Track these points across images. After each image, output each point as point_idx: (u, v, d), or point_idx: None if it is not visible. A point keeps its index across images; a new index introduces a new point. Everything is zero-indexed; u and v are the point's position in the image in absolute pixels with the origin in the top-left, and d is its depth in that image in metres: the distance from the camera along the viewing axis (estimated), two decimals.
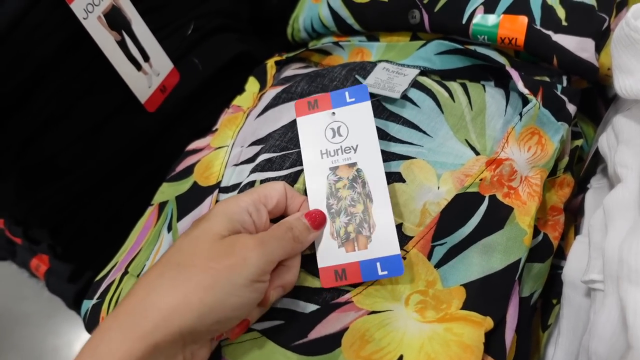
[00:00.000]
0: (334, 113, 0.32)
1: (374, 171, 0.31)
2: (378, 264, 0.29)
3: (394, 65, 0.36)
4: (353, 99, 0.32)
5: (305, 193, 0.32)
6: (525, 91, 0.33)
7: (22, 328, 0.80)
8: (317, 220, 0.30)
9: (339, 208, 0.31)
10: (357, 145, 0.31)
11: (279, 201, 0.30)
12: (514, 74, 0.34)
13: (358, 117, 0.32)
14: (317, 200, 0.31)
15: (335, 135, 0.32)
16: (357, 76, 0.37)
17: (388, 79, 0.35)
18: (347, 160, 0.31)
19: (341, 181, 0.31)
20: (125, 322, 0.24)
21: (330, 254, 0.30)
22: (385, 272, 0.29)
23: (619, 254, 0.22)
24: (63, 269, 0.45)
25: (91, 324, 0.34)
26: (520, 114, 0.33)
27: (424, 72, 0.36)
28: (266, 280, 0.27)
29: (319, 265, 0.30)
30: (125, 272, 0.35)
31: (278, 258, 0.28)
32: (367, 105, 0.32)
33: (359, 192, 0.31)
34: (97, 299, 0.35)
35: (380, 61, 0.37)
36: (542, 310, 0.36)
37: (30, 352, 0.73)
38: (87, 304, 0.35)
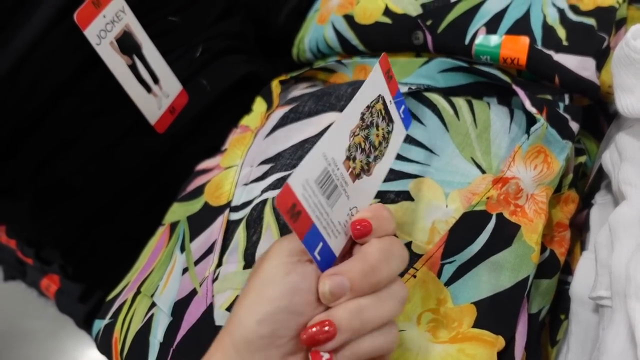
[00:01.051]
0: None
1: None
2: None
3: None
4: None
5: None
6: (533, 110, 0.34)
7: (27, 346, 0.80)
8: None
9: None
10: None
11: None
12: (521, 93, 0.35)
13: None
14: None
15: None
16: None
17: None
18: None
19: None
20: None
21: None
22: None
23: (626, 271, 0.23)
24: (73, 288, 0.46)
25: (103, 343, 0.35)
26: (528, 133, 0.33)
27: (428, 89, 0.37)
28: None
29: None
30: (138, 292, 0.35)
31: None
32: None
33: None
34: (110, 318, 0.35)
35: None
36: (550, 326, 0.37)
37: None
38: (99, 324, 0.35)
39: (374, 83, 0.28)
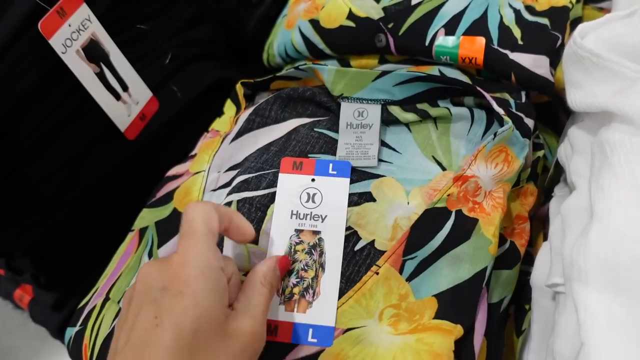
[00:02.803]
0: (313, 179, 0.34)
1: (334, 245, 0.32)
2: (310, 330, 0.31)
3: (353, 107, 0.37)
4: (335, 172, 0.34)
5: None
6: (501, 111, 0.35)
7: None
8: (285, 268, 0.31)
9: (292, 269, 0.32)
10: (325, 216, 0.33)
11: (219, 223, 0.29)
12: (488, 96, 0.36)
13: (335, 190, 0.34)
14: (275, 252, 0.33)
15: (309, 201, 0.34)
16: (319, 129, 0.38)
17: (357, 140, 0.36)
18: (312, 227, 0.33)
19: (302, 244, 0.33)
20: None
21: (270, 308, 0.30)
22: (315, 340, 0.30)
23: (569, 256, 0.24)
24: (47, 298, 0.46)
25: (74, 351, 0.35)
26: (495, 134, 0.34)
27: (385, 104, 0.37)
28: None
29: None
30: (107, 299, 0.35)
31: None
32: (346, 182, 0.34)
33: (314, 259, 0.32)
34: (80, 325, 0.35)
35: (340, 97, 0.38)
36: (515, 317, 0.38)
37: None
38: (71, 331, 0.35)
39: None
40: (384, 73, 0.37)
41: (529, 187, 0.37)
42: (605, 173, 0.25)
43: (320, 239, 0.33)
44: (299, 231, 0.33)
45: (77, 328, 0.35)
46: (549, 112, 0.43)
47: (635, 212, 0.23)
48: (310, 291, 0.31)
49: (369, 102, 0.37)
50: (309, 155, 0.36)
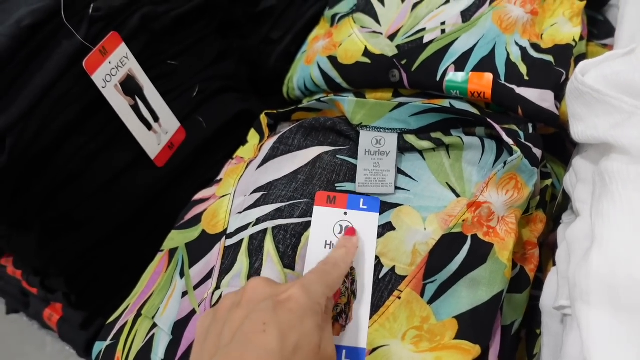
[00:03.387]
0: (346, 213, 0.37)
1: (365, 275, 0.35)
2: (344, 351, 0.33)
3: (371, 135, 0.40)
4: (365, 207, 0.37)
5: None
6: (510, 141, 0.37)
7: None
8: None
9: (327, 257, 0.34)
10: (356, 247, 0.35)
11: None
12: (497, 126, 0.38)
13: (365, 223, 0.36)
14: None
15: (342, 232, 0.36)
16: (342, 156, 0.40)
17: (374, 166, 0.39)
18: None
19: None
20: None
21: None
22: None
23: (572, 278, 0.26)
24: (76, 317, 0.48)
25: None
26: (505, 163, 0.36)
27: (401, 133, 0.40)
28: None
29: None
30: (139, 315, 0.38)
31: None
32: (375, 216, 0.37)
33: (347, 286, 0.34)
34: (111, 340, 0.37)
35: (359, 126, 0.41)
36: (527, 341, 0.39)
37: None
38: (100, 346, 0.37)
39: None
40: (400, 104, 0.40)
41: (538, 214, 0.39)
42: (605, 200, 0.27)
43: (352, 268, 0.35)
44: None
45: (107, 342, 0.37)
46: (557, 143, 0.45)
47: (632, 236, 0.24)
48: (344, 316, 0.33)
49: (387, 130, 0.40)
50: (336, 185, 0.39)
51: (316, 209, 0.37)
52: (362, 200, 0.37)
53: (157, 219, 0.49)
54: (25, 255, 0.42)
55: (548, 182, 0.40)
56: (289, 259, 0.36)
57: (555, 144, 0.45)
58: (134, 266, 0.45)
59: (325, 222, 0.36)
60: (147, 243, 0.46)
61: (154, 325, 0.36)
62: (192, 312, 0.35)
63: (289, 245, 0.36)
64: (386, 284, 0.34)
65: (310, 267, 0.35)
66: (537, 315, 0.39)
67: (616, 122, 0.31)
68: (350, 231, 0.36)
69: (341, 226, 0.36)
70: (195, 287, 0.37)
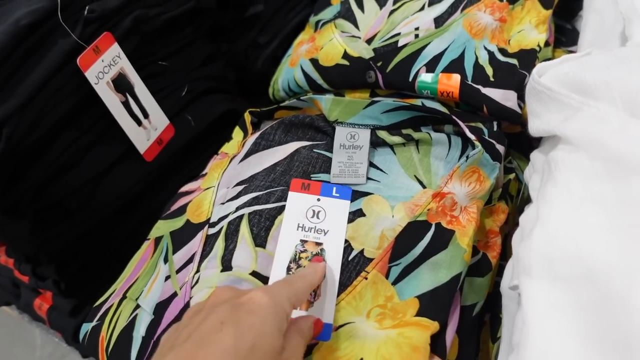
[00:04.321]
0: (319, 199, 0.40)
1: (334, 255, 0.37)
2: None
3: (346, 130, 0.43)
4: (337, 195, 0.40)
5: None
6: (473, 137, 0.40)
7: None
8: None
9: (296, 272, 0.37)
10: (327, 231, 0.38)
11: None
12: (461, 123, 0.41)
13: (336, 209, 0.39)
14: (281, 260, 0.37)
15: (314, 217, 0.39)
16: (318, 150, 0.43)
17: (348, 159, 0.42)
18: (316, 239, 0.38)
19: (305, 252, 0.37)
20: None
21: None
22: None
23: (516, 253, 0.28)
24: (65, 304, 0.50)
25: (90, 343, 0.39)
26: (467, 156, 0.39)
27: (374, 129, 0.43)
28: None
29: None
30: (124, 297, 0.40)
31: None
32: (347, 204, 0.39)
33: None
34: (97, 321, 0.39)
35: (335, 122, 0.44)
36: (491, 325, 0.41)
37: None
38: (87, 327, 0.39)
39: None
40: (373, 102, 0.42)
41: (501, 205, 0.41)
42: (549, 185, 0.29)
43: (322, 249, 0.37)
44: (303, 241, 0.38)
45: (94, 323, 0.39)
46: (523, 141, 0.48)
47: (569, 215, 0.27)
48: (312, 293, 0.35)
49: (360, 126, 0.43)
50: (311, 175, 0.41)
51: (291, 194, 0.39)
52: (334, 188, 0.40)
53: (146, 210, 0.51)
54: (18, 242, 0.44)
55: (511, 176, 0.43)
56: (261, 239, 0.38)
57: (522, 142, 0.47)
58: (122, 255, 0.47)
59: (299, 206, 0.39)
60: (135, 233, 0.48)
61: (137, 306, 0.38)
62: (174, 295, 0.38)
63: (263, 227, 0.39)
64: (354, 265, 0.36)
65: (282, 246, 0.37)
66: (500, 301, 0.41)
67: (565, 117, 0.33)
68: (318, 259, 0.36)
69: (313, 211, 0.39)
70: (178, 271, 0.39)
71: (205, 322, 0.26)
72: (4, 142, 0.39)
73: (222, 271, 0.38)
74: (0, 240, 0.49)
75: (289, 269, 0.37)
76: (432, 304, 0.34)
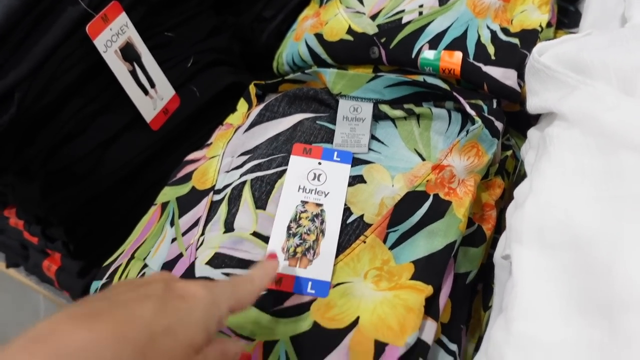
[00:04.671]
0: (320, 163, 0.41)
1: (334, 216, 0.39)
2: (310, 283, 0.36)
3: (349, 103, 0.44)
4: (338, 159, 0.41)
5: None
6: (473, 113, 0.41)
7: None
8: None
9: (296, 232, 0.38)
10: (328, 193, 0.40)
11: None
12: (461, 99, 0.42)
13: (337, 173, 0.40)
14: (282, 219, 0.39)
15: (315, 179, 0.40)
16: (321, 122, 0.45)
17: (351, 130, 0.43)
18: (316, 200, 0.39)
19: (306, 213, 0.39)
20: None
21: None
22: (313, 291, 0.36)
23: (509, 224, 0.30)
24: (73, 266, 0.52)
25: None
26: (467, 130, 0.40)
27: (376, 103, 0.44)
28: None
29: None
30: (132, 257, 0.41)
31: None
32: (347, 167, 0.41)
33: (316, 225, 0.38)
34: (106, 279, 0.41)
35: (338, 95, 0.45)
36: (483, 294, 0.43)
37: None
38: (97, 284, 0.41)
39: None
40: (376, 76, 0.43)
41: (497, 180, 0.43)
42: (543, 159, 0.31)
43: (322, 210, 0.39)
44: (304, 202, 0.39)
45: (103, 281, 0.41)
46: (522, 120, 0.49)
47: (560, 187, 0.28)
48: (311, 251, 0.37)
49: (363, 100, 0.44)
50: (313, 145, 0.43)
51: (292, 158, 0.41)
52: (336, 152, 0.41)
53: (152, 178, 0.52)
54: (29, 203, 0.46)
55: (508, 152, 0.45)
56: (262, 202, 0.40)
57: (520, 120, 0.49)
58: (129, 221, 0.48)
59: (300, 169, 0.40)
60: (141, 200, 0.50)
61: (145, 266, 0.40)
62: (180, 255, 0.39)
63: (264, 192, 0.40)
64: (354, 229, 0.38)
65: (283, 207, 0.39)
66: (493, 272, 0.43)
67: (562, 95, 0.35)
68: (272, 256, 0.35)
69: (315, 174, 0.40)
70: (184, 234, 0.41)
71: (132, 292, 0.25)
72: (16, 105, 0.40)
73: (224, 232, 0.39)
74: (11, 202, 0.50)
75: (289, 228, 0.38)
76: (427, 269, 0.36)
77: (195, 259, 0.38)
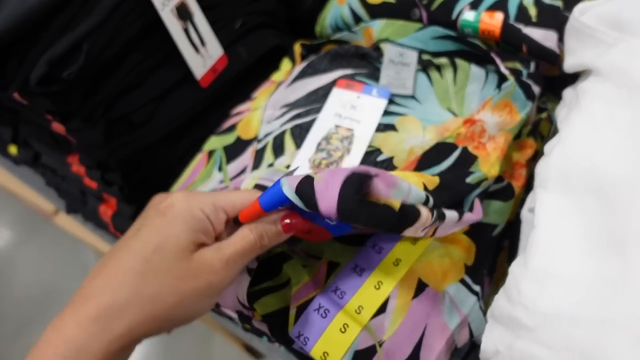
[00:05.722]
0: (359, 97, 0.43)
1: (362, 141, 0.42)
2: None
3: (396, 49, 0.46)
4: (377, 95, 0.43)
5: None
6: (507, 72, 0.42)
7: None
8: (292, 228, 0.30)
9: (325, 148, 0.41)
10: (360, 121, 0.42)
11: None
12: (497, 59, 0.43)
13: (373, 105, 0.43)
14: (314, 137, 0.42)
15: (351, 109, 0.43)
16: (360, 78, 0.47)
17: (396, 74, 0.45)
18: (349, 125, 0.42)
19: (337, 134, 0.41)
20: (93, 327, 0.26)
21: (301, 172, 0.37)
22: None
23: (536, 171, 0.31)
24: (128, 210, 0.57)
25: None
26: (500, 88, 0.41)
27: (420, 53, 0.46)
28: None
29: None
30: None
31: (242, 269, 0.31)
32: (384, 102, 0.43)
33: (344, 145, 0.41)
34: None
35: (383, 40, 0.47)
36: (509, 250, 0.45)
37: None
38: None
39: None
40: (425, 26, 0.45)
41: (529, 141, 0.44)
42: (574, 111, 0.32)
43: (352, 135, 0.42)
44: (337, 127, 0.43)
45: None
46: (560, 84, 0.49)
47: (588, 137, 0.30)
48: (335, 165, 0.41)
49: (409, 48, 0.46)
50: None
51: (334, 90, 0.44)
52: (375, 89, 0.44)
53: (200, 133, 0.56)
54: (92, 148, 0.50)
55: (543, 115, 0.45)
56: (300, 143, 0.43)
57: (558, 85, 0.49)
58: (177, 170, 0.52)
59: (340, 99, 0.44)
60: (189, 151, 0.54)
61: None
62: None
63: (303, 137, 0.43)
64: (383, 167, 0.40)
65: (318, 127, 0.43)
66: (519, 231, 0.44)
67: (599, 53, 0.35)
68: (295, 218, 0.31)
69: (352, 105, 0.43)
70: (232, 179, 0.44)
71: (130, 229, 0.30)
72: (84, 56, 0.44)
73: (267, 167, 0.43)
74: (75, 148, 0.55)
75: (319, 144, 0.42)
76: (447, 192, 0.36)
77: None
